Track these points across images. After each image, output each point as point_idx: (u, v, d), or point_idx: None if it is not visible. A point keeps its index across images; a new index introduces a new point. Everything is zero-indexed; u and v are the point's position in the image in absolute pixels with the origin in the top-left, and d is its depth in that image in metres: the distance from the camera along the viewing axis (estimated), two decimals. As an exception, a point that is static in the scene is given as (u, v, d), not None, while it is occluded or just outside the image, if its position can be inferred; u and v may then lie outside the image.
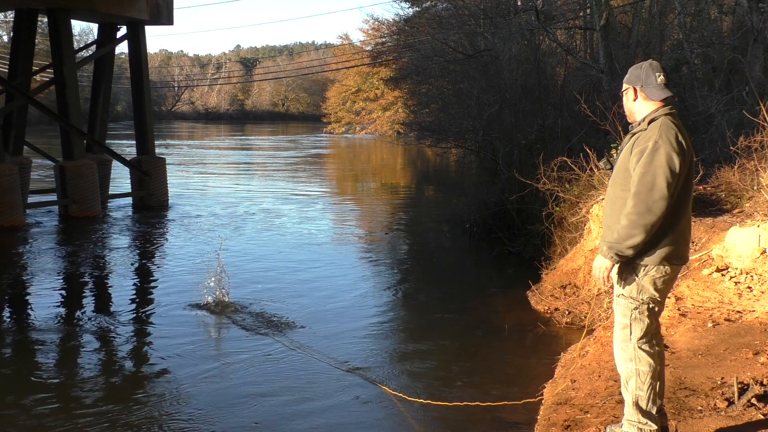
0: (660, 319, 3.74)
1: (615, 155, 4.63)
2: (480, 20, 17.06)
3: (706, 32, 15.37)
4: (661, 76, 3.50)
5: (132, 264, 11.43)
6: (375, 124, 48.48)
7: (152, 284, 10.04)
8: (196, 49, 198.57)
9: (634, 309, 3.52)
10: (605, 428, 3.94)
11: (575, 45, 17.73)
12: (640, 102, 3.57)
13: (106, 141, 19.04)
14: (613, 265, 3.52)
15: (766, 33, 12.59)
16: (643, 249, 3.46)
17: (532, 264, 9.95)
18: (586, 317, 7.45)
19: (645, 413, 3.54)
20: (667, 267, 3.48)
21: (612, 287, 3.69)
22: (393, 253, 12.58)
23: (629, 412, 3.60)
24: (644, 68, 3.56)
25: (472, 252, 12.67)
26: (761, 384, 4.26)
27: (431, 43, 18.92)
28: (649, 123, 3.47)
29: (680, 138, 3.39)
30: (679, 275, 4.09)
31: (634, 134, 3.54)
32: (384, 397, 5.81)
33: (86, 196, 15.22)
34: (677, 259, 3.51)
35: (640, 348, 3.52)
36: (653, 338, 3.56)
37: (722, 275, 6.65)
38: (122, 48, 68.04)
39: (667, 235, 3.45)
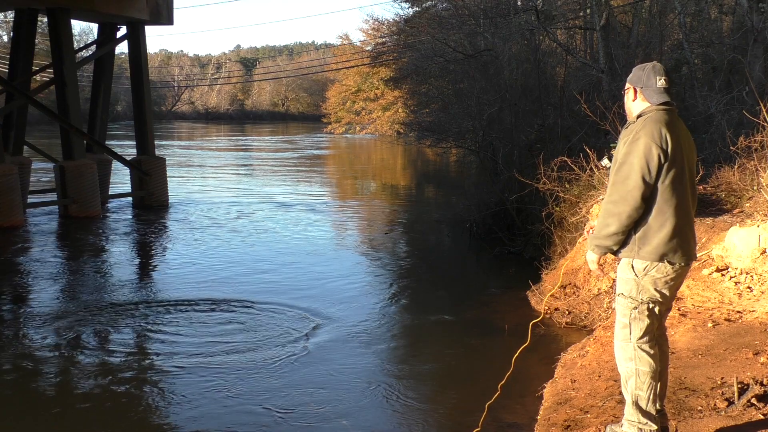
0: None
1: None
2: (480, 20, 17.06)
3: (706, 32, 15.37)
4: (662, 80, 3.52)
5: (131, 265, 11.44)
6: (375, 124, 48.44)
7: (152, 286, 10.04)
8: (196, 49, 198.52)
9: (634, 309, 3.52)
10: (605, 428, 3.95)
11: (575, 45, 17.71)
12: (639, 102, 3.61)
13: (106, 141, 19.04)
14: (599, 257, 3.63)
15: (766, 33, 12.59)
16: (636, 244, 3.48)
17: (532, 264, 9.95)
18: (586, 317, 7.45)
19: (645, 413, 3.54)
20: (667, 266, 3.46)
21: (613, 286, 3.71)
22: (393, 253, 12.57)
23: (629, 411, 3.60)
24: (647, 70, 3.59)
25: (472, 252, 12.67)
26: (761, 384, 4.26)
27: (431, 43, 18.91)
28: (638, 117, 3.54)
29: (664, 131, 3.41)
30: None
31: (627, 128, 3.60)
32: (383, 397, 5.81)
33: (86, 196, 15.22)
34: (677, 258, 3.47)
35: (640, 348, 3.52)
36: (654, 339, 3.55)
37: (722, 275, 6.66)
38: (122, 48, 68.08)
39: (660, 232, 3.44)
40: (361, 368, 6.49)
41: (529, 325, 4.83)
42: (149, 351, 7.09)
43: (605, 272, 7.68)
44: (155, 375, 6.33)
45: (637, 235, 3.47)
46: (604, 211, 3.50)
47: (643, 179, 3.37)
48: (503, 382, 4.83)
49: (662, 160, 3.38)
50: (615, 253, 3.57)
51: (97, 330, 7.68)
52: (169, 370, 6.42)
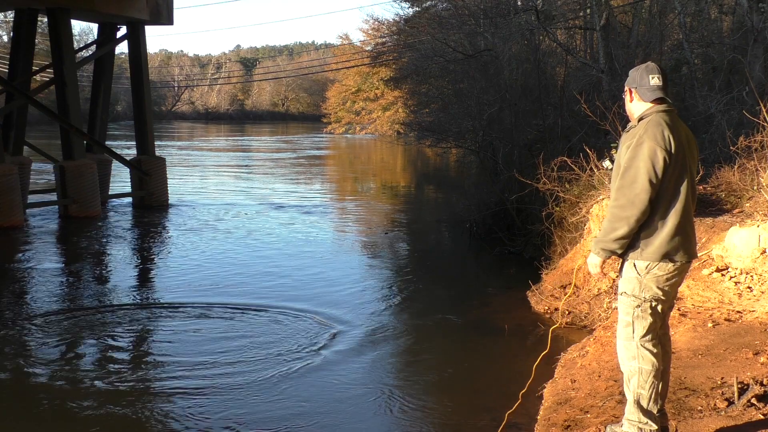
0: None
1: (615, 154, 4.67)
2: (480, 20, 17.06)
3: (706, 32, 15.38)
4: (656, 78, 3.55)
5: (131, 266, 11.44)
6: (375, 124, 48.44)
7: (151, 288, 10.04)
8: (196, 49, 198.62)
9: (636, 307, 3.54)
10: (605, 428, 3.95)
11: (575, 45, 17.71)
12: (636, 103, 3.64)
13: (106, 141, 19.04)
14: (603, 261, 3.63)
15: (766, 33, 12.59)
16: (640, 245, 3.50)
17: (532, 264, 9.94)
18: (586, 317, 7.45)
19: (646, 412, 3.55)
20: (669, 264, 3.49)
21: (615, 285, 3.72)
22: (393, 253, 12.57)
23: (630, 410, 3.61)
24: (640, 70, 3.64)
25: (472, 252, 12.67)
26: (761, 384, 4.26)
27: (431, 43, 18.91)
28: (640, 120, 3.56)
29: (666, 133, 3.44)
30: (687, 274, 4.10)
31: (628, 132, 3.61)
32: (384, 398, 5.81)
33: (86, 196, 15.22)
34: (680, 256, 3.49)
35: (642, 346, 3.54)
36: (657, 337, 3.57)
37: (722, 275, 6.66)
38: (122, 48, 68.08)
39: (662, 231, 3.47)
40: (358, 372, 6.45)
41: (549, 331, 4.97)
42: (146, 353, 7.10)
43: (605, 273, 7.68)
44: (151, 377, 6.31)
45: (641, 236, 3.49)
46: (611, 216, 3.50)
47: (650, 182, 3.39)
48: (524, 390, 4.96)
49: (667, 162, 3.41)
50: (620, 255, 3.58)
51: (95, 332, 7.66)
52: (162, 373, 6.38)
